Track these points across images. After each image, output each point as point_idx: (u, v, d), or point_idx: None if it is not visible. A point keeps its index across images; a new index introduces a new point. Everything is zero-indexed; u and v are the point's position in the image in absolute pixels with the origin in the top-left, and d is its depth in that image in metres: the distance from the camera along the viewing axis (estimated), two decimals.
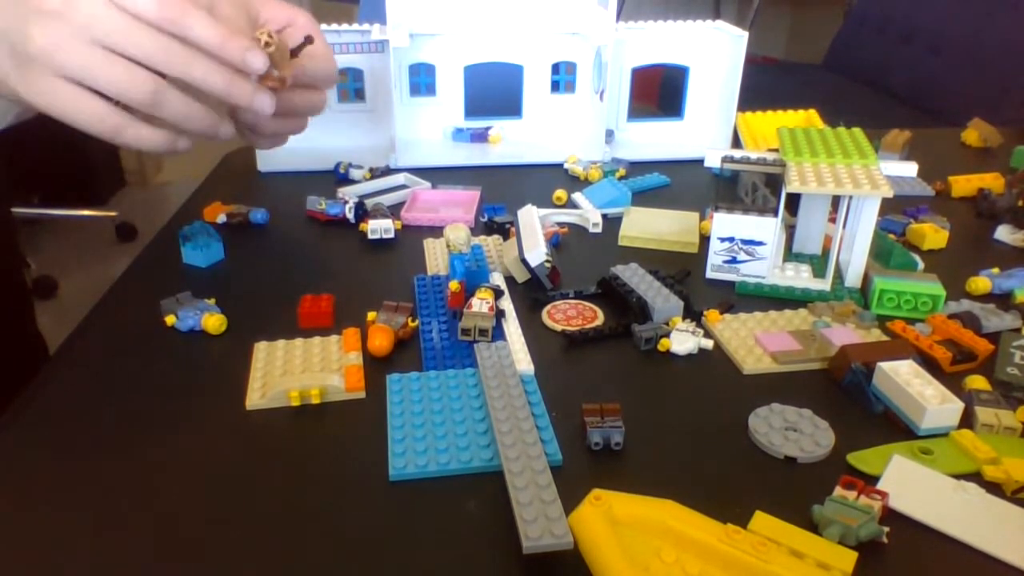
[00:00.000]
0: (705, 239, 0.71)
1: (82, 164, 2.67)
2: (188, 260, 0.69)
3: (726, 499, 0.41)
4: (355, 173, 0.87)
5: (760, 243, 0.62)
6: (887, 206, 0.66)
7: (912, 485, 0.42)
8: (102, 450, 0.46)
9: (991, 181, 0.84)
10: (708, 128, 0.99)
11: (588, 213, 0.77)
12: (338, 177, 0.87)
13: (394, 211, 0.78)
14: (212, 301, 0.59)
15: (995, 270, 0.65)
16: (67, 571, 0.38)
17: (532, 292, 0.63)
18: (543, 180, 0.88)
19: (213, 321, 0.57)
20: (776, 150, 0.69)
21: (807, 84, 2.47)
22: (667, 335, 0.55)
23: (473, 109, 0.98)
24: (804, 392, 0.51)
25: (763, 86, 2.30)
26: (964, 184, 0.85)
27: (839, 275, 0.65)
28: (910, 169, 0.66)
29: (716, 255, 0.64)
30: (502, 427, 0.44)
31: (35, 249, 2.49)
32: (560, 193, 0.81)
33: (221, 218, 0.75)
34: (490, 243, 0.72)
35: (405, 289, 0.64)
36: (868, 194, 0.59)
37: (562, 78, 0.98)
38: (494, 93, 0.98)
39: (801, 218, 0.69)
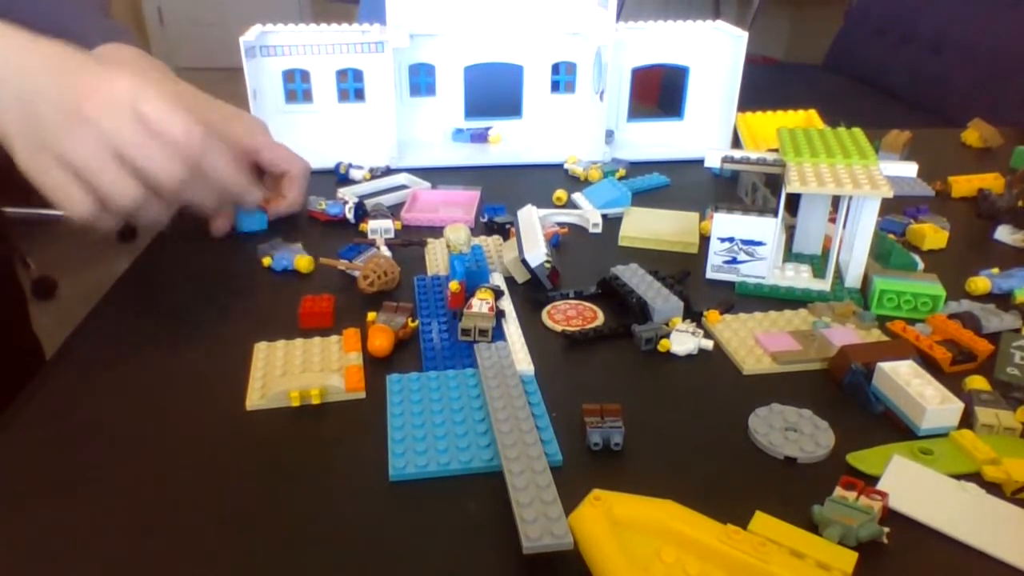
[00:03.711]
0: (705, 239, 0.71)
1: None
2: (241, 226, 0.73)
3: (726, 499, 0.41)
4: (355, 173, 0.87)
5: (760, 243, 0.62)
6: (887, 206, 0.66)
7: (912, 485, 0.42)
8: (102, 450, 0.46)
9: (991, 181, 0.84)
10: (708, 128, 0.99)
11: (588, 213, 0.77)
12: (338, 177, 0.87)
13: (394, 211, 0.78)
14: (300, 245, 0.68)
15: (995, 270, 0.65)
16: (66, 572, 0.38)
17: (532, 292, 0.63)
18: (543, 180, 0.88)
19: (304, 261, 0.65)
20: (776, 150, 0.69)
21: (807, 84, 2.47)
22: (667, 335, 0.55)
23: (473, 109, 0.98)
24: (804, 392, 0.51)
25: (763, 86, 2.30)
26: (964, 184, 0.85)
27: (839, 275, 0.65)
28: (910, 169, 0.66)
29: (716, 255, 0.64)
30: (502, 427, 0.44)
31: (35, 249, 2.49)
32: (560, 193, 0.81)
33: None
34: (490, 243, 0.72)
35: (405, 289, 0.64)
36: (868, 194, 0.59)
37: (562, 78, 0.98)
38: (494, 93, 0.98)
39: (801, 218, 0.69)
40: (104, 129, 0.53)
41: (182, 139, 0.56)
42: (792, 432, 0.46)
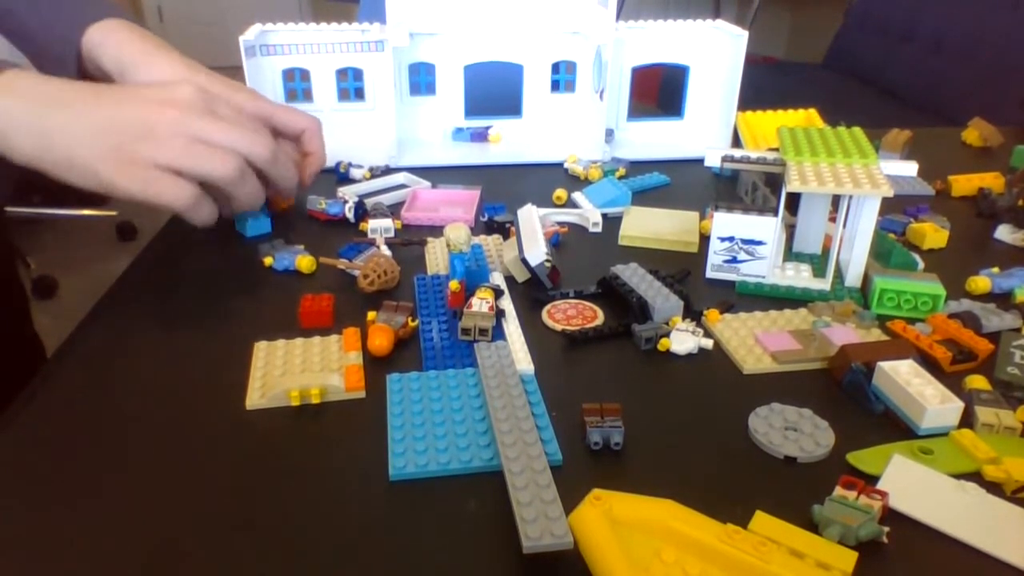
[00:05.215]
0: (705, 239, 0.71)
1: None
2: (239, 228, 0.74)
3: (726, 499, 0.41)
4: (355, 172, 0.87)
5: (760, 243, 0.62)
6: (887, 205, 0.66)
7: (912, 485, 0.42)
8: (102, 450, 0.46)
9: (991, 180, 0.84)
10: (708, 127, 0.99)
11: (588, 213, 0.77)
12: (338, 176, 0.87)
13: (394, 210, 0.78)
14: (302, 247, 0.69)
15: (995, 269, 0.65)
16: (66, 571, 0.38)
17: (532, 292, 0.63)
18: (543, 179, 0.87)
19: (306, 262, 0.66)
20: (776, 149, 0.69)
21: (807, 83, 2.47)
22: (667, 335, 0.55)
23: (473, 108, 0.98)
24: (804, 392, 0.51)
25: (763, 85, 2.30)
26: (964, 183, 0.85)
27: (839, 275, 0.65)
28: (910, 168, 0.66)
29: (716, 255, 0.64)
30: (502, 427, 0.44)
31: (35, 249, 2.49)
32: (560, 192, 0.81)
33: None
34: (490, 243, 0.72)
35: (405, 288, 0.64)
36: (868, 193, 0.59)
37: (562, 77, 0.98)
38: (494, 92, 0.98)
39: (801, 218, 0.69)
40: (184, 123, 0.59)
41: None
42: (792, 431, 0.46)
